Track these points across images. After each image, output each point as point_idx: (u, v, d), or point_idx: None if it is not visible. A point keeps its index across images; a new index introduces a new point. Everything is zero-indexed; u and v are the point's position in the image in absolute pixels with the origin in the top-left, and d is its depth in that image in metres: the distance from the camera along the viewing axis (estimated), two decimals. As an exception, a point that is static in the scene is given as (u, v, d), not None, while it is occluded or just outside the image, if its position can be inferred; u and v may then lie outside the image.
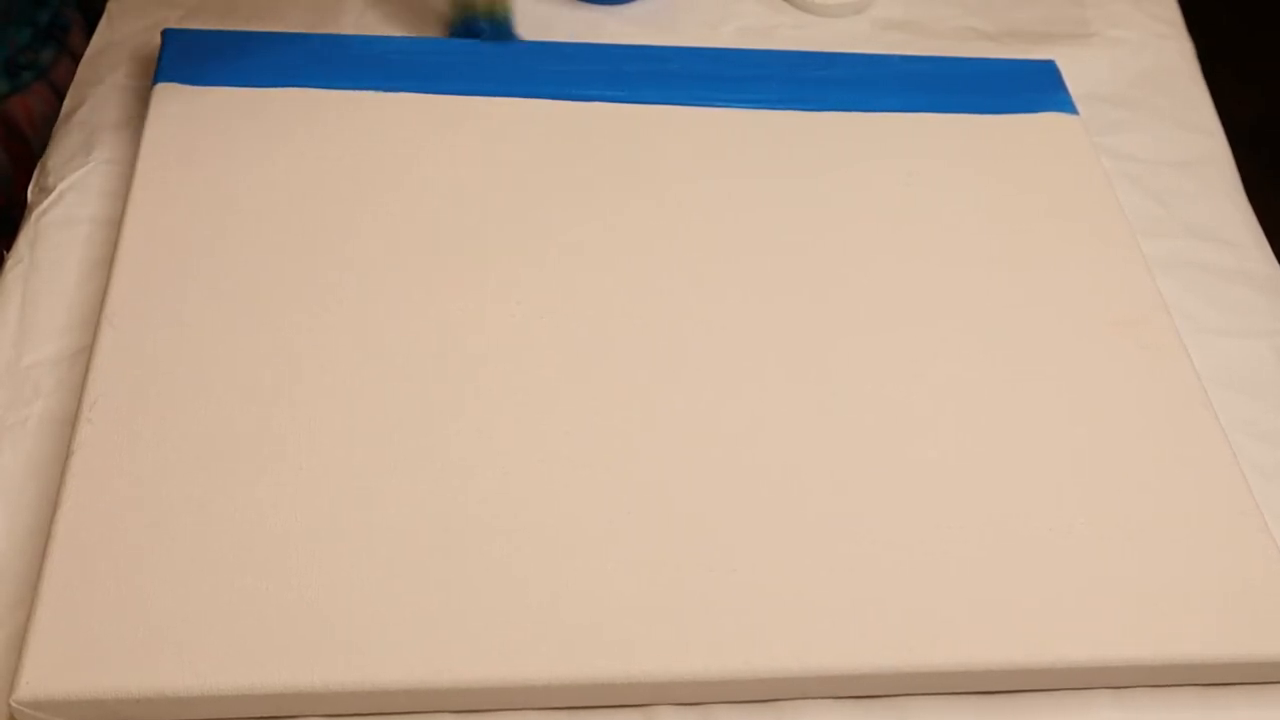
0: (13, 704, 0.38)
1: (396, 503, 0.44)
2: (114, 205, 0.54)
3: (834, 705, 0.43)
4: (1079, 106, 0.63)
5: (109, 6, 0.64)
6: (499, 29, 0.61)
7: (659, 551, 0.43)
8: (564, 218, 0.54)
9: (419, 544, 0.43)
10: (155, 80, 0.57)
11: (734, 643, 0.42)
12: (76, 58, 0.61)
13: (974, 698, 0.44)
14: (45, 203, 0.54)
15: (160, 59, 0.57)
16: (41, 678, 0.39)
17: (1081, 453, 0.48)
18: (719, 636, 0.42)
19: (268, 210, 0.52)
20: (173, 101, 0.56)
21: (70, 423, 0.46)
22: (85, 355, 0.48)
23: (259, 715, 0.40)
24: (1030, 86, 0.63)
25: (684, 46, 0.63)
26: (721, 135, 0.59)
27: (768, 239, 0.54)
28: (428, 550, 0.43)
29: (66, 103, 0.59)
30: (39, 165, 0.56)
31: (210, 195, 0.52)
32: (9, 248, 0.53)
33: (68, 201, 0.54)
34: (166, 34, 0.59)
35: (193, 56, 0.58)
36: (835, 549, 0.44)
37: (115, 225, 0.52)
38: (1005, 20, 0.69)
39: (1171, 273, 0.58)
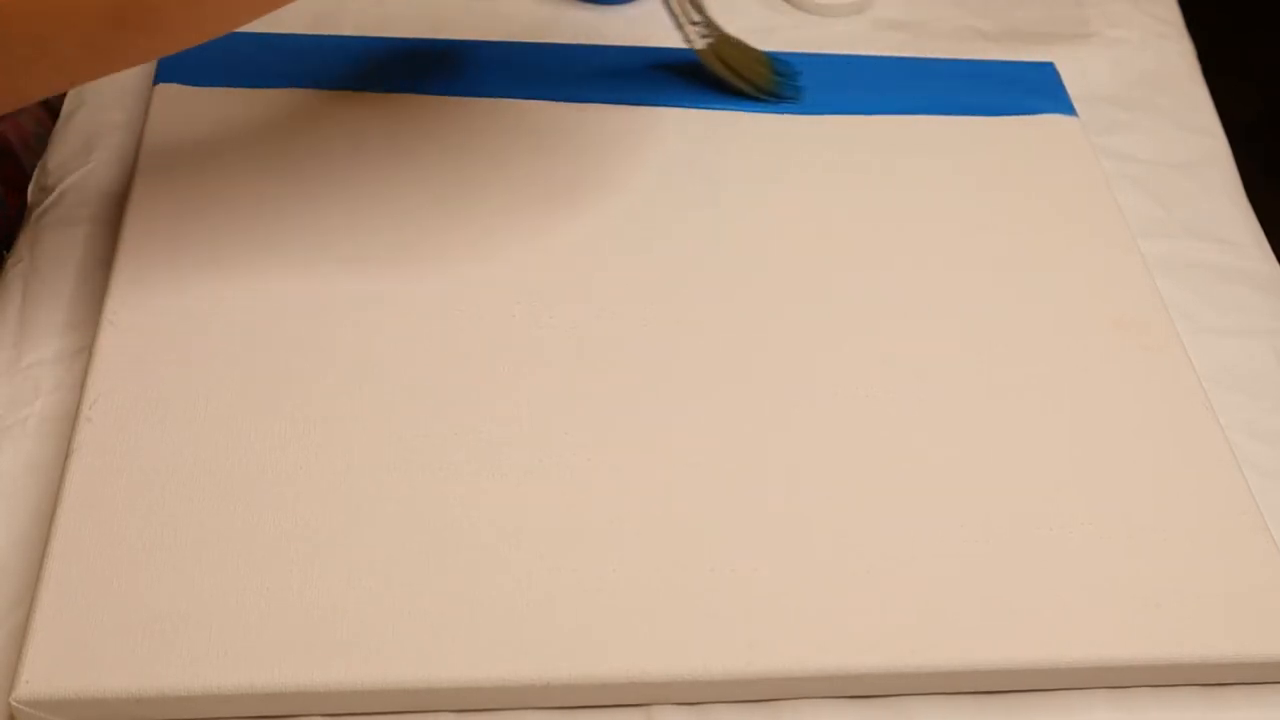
0: (13, 703, 0.38)
1: (397, 502, 0.44)
2: (114, 205, 0.54)
3: (834, 705, 0.43)
4: (1079, 107, 0.63)
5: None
6: None
7: (659, 551, 0.43)
8: (563, 218, 0.54)
9: (419, 543, 0.43)
10: (155, 80, 0.57)
11: (734, 643, 0.42)
12: None
13: (974, 698, 0.44)
14: (45, 203, 0.54)
15: (160, 59, 0.57)
16: (42, 677, 0.39)
17: (1081, 453, 0.48)
18: (719, 636, 0.42)
19: (268, 211, 0.52)
20: (173, 101, 0.56)
21: (70, 423, 0.46)
22: (85, 355, 0.48)
23: (259, 715, 0.40)
24: (1029, 88, 0.63)
25: (684, 47, 0.63)
26: (721, 137, 0.59)
27: (767, 240, 0.54)
28: (428, 550, 0.43)
29: (66, 103, 0.59)
30: (39, 165, 0.56)
31: (210, 195, 0.52)
32: (9, 248, 0.53)
33: (68, 201, 0.54)
34: (167, 34, 0.59)
35: (193, 56, 0.57)
36: (836, 549, 0.44)
37: (115, 225, 0.52)
38: (1005, 20, 0.69)
39: (1171, 273, 0.58)
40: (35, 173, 0.56)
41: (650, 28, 0.65)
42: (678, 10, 0.57)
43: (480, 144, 0.56)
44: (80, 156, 0.56)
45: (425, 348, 0.48)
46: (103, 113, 0.58)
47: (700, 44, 0.58)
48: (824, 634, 0.42)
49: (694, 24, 0.57)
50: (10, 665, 0.40)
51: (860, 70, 0.63)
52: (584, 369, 0.48)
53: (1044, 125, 0.62)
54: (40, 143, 0.59)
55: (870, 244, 0.55)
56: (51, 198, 0.54)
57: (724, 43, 0.59)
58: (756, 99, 0.60)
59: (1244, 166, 0.65)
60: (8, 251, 0.53)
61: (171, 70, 0.57)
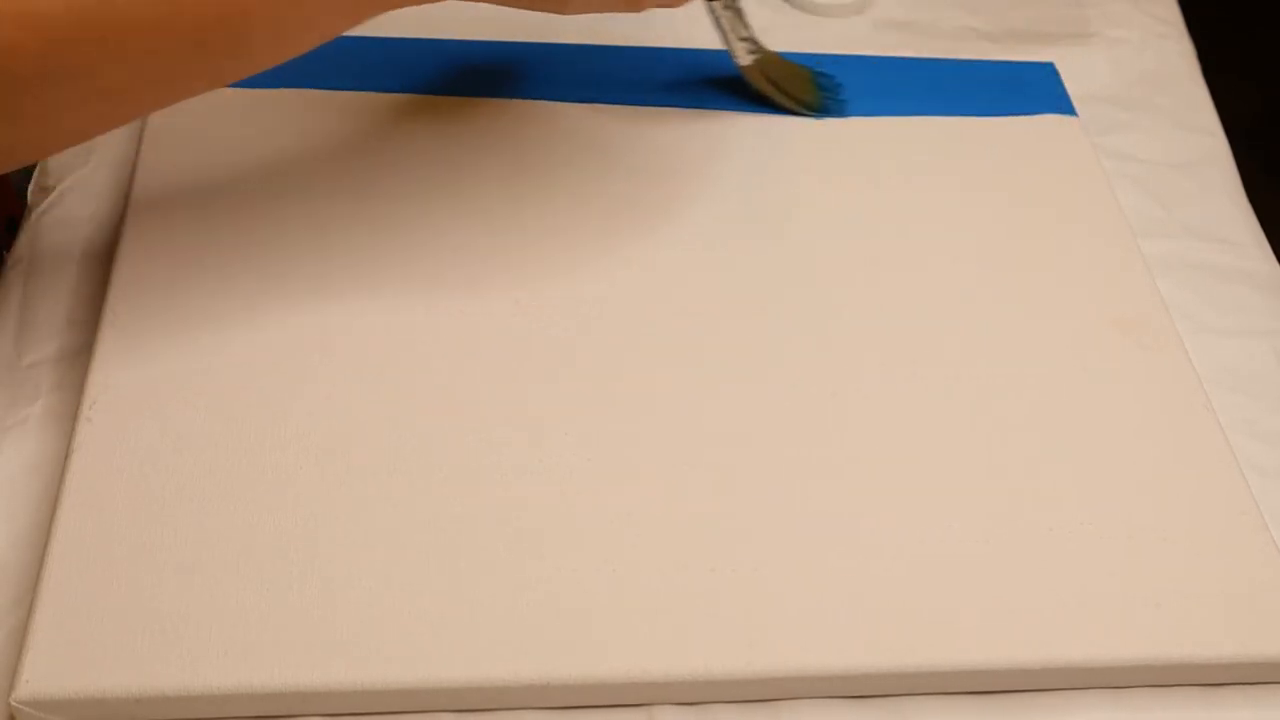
0: (13, 703, 0.38)
1: (396, 502, 0.44)
2: (114, 205, 0.54)
3: (834, 705, 0.43)
4: (1079, 107, 0.63)
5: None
6: None
7: (659, 551, 0.43)
8: (564, 219, 0.54)
9: (419, 543, 0.43)
10: (155, 80, 0.57)
11: (734, 643, 0.42)
12: None
13: (974, 698, 0.44)
14: (45, 203, 0.54)
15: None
16: (42, 677, 0.39)
17: (1081, 453, 0.48)
18: (719, 636, 0.42)
19: (268, 210, 0.52)
20: (173, 101, 0.56)
21: (70, 422, 0.46)
22: (85, 355, 0.48)
23: (259, 715, 0.40)
24: (1029, 88, 0.63)
25: (684, 47, 0.63)
26: (721, 137, 0.59)
27: (766, 240, 0.54)
28: (427, 550, 0.43)
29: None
30: (39, 165, 0.56)
31: (211, 195, 0.52)
32: (9, 247, 0.53)
33: (68, 201, 0.54)
34: (166, 34, 0.59)
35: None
36: (836, 549, 0.44)
37: (115, 225, 0.52)
38: (1005, 20, 0.70)
39: (1171, 273, 0.58)
40: (35, 173, 0.56)
41: (650, 28, 0.65)
42: (727, 27, 0.57)
43: (482, 144, 0.56)
44: (80, 156, 0.56)
45: (425, 347, 0.48)
46: (103, 113, 0.58)
47: (746, 60, 0.58)
48: (824, 634, 0.42)
49: (742, 40, 0.57)
50: (10, 665, 0.40)
51: (860, 71, 0.63)
52: (584, 369, 0.48)
53: (1044, 125, 0.62)
54: None
55: (869, 244, 0.55)
56: (51, 198, 0.54)
57: (769, 60, 0.59)
58: (800, 114, 0.60)
59: (1244, 166, 0.65)
60: (8, 251, 0.53)
61: (171, 70, 0.57)
